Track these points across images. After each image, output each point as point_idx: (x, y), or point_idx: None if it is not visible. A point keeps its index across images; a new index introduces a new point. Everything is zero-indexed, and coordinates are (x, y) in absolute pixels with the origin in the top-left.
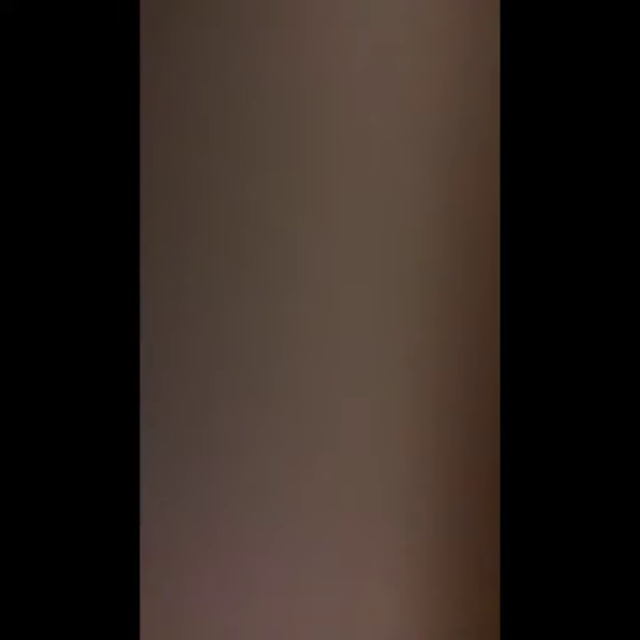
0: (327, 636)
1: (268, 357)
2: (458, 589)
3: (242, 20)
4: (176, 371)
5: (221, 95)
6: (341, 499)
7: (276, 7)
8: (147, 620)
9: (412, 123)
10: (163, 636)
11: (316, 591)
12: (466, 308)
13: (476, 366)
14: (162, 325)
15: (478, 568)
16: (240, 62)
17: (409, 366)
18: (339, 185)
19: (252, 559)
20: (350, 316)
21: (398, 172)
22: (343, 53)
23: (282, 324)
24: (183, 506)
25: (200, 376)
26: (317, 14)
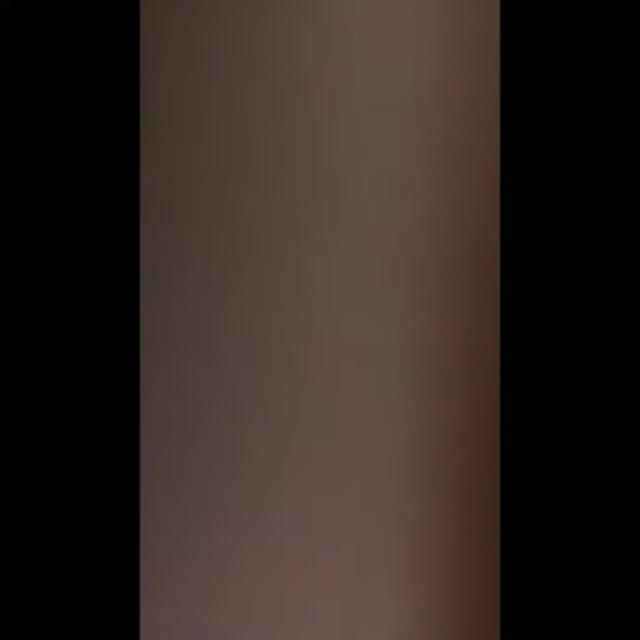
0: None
1: (268, 363)
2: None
3: (242, 16)
4: (176, 375)
5: (222, 94)
6: (341, 515)
7: (277, 4)
8: (146, 626)
9: (413, 122)
10: None
11: (316, 597)
12: (466, 309)
13: (476, 371)
14: (161, 330)
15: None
16: (240, 59)
17: (412, 383)
18: (339, 184)
19: (251, 568)
20: (351, 317)
21: (399, 171)
22: (344, 53)
23: (281, 329)
24: (182, 514)
25: (200, 380)
26: (318, 11)
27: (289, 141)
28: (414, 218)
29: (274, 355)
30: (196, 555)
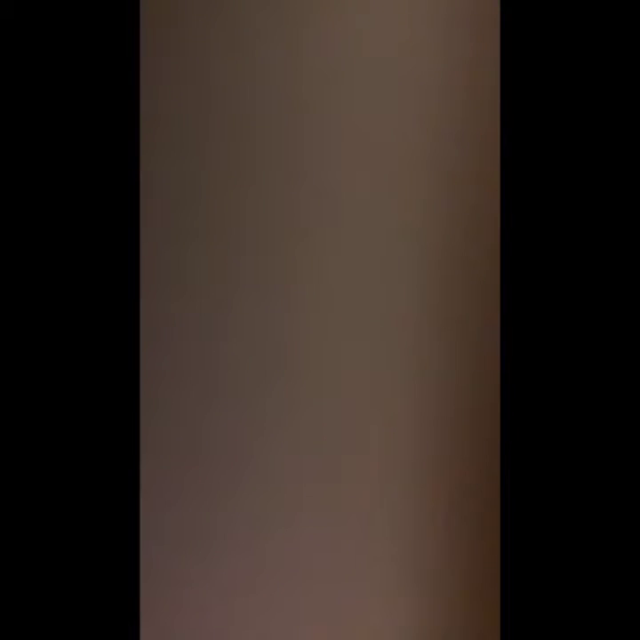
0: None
1: (268, 364)
2: (459, 611)
3: (243, 20)
4: (176, 375)
5: (222, 96)
6: (342, 511)
7: (277, 4)
8: (146, 630)
9: (412, 124)
10: None
11: (316, 598)
12: (466, 309)
13: (476, 368)
14: (162, 331)
15: (479, 592)
16: (240, 59)
17: (413, 383)
18: (338, 185)
19: (251, 568)
20: (351, 317)
21: (398, 173)
22: (343, 54)
23: (282, 329)
24: (182, 513)
25: (200, 382)
26: (319, 13)
27: (288, 143)
28: (415, 218)
29: (274, 355)
30: (195, 555)
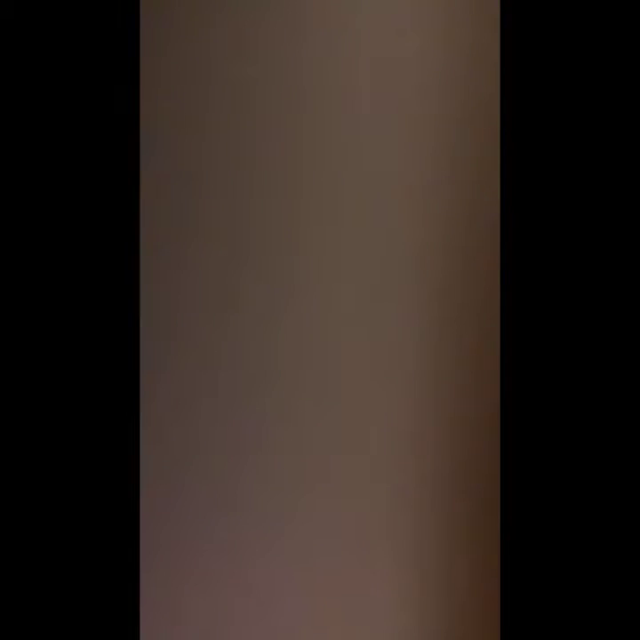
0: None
1: (269, 362)
2: (458, 602)
3: (242, 20)
4: (176, 375)
5: (222, 98)
6: (341, 511)
7: (277, 3)
8: (147, 624)
9: (412, 123)
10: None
11: (317, 594)
12: (466, 309)
13: (476, 369)
14: (161, 330)
15: (479, 585)
16: (242, 60)
17: (410, 371)
18: (338, 186)
19: (252, 563)
20: (351, 316)
21: (398, 172)
22: (344, 54)
23: (282, 329)
24: (182, 509)
25: (200, 379)
26: (318, 16)
27: (288, 143)
28: (415, 220)
29: (274, 355)
30: (195, 555)
